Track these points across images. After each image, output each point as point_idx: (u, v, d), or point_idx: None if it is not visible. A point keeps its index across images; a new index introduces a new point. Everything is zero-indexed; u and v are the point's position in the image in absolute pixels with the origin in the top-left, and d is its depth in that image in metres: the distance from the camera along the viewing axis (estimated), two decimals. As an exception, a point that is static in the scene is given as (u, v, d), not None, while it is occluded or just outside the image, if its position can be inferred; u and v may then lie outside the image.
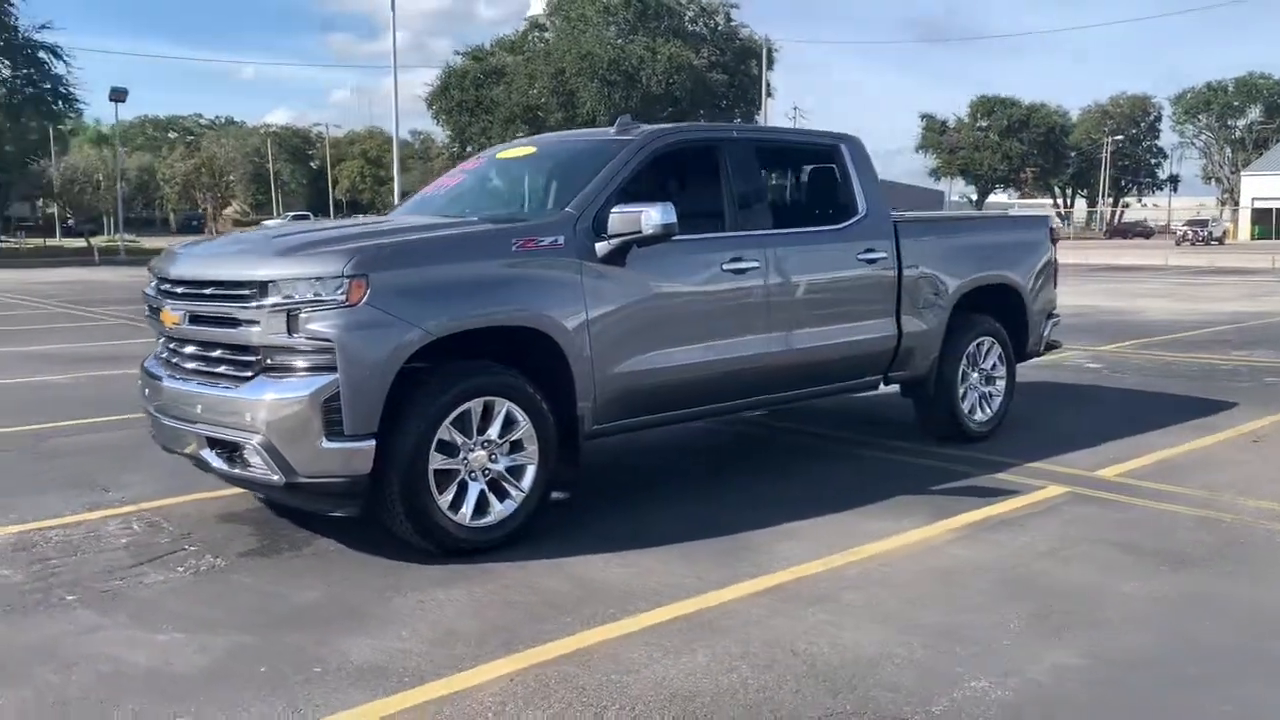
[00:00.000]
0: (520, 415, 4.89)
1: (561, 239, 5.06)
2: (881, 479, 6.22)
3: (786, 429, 7.84)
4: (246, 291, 4.57)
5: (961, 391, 7.09)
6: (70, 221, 66.89)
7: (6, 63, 40.18)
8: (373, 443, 4.46)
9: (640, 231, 5.08)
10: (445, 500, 4.68)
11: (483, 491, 4.82)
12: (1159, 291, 22.83)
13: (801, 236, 6.21)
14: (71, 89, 41.69)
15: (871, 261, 6.43)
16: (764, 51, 49.88)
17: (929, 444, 7.10)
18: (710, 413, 5.98)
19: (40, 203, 69.64)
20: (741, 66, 58.50)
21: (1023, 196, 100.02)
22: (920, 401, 7.17)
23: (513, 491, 4.91)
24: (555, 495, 5.15)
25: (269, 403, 4.47)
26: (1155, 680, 3.59)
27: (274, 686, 3.50)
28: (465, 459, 4.77)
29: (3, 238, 57.67)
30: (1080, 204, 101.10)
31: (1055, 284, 7.94)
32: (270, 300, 4.49)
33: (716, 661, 3.69)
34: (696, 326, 5.58)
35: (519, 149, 6.57)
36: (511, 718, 3.29)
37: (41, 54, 40.34)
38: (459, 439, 4.72)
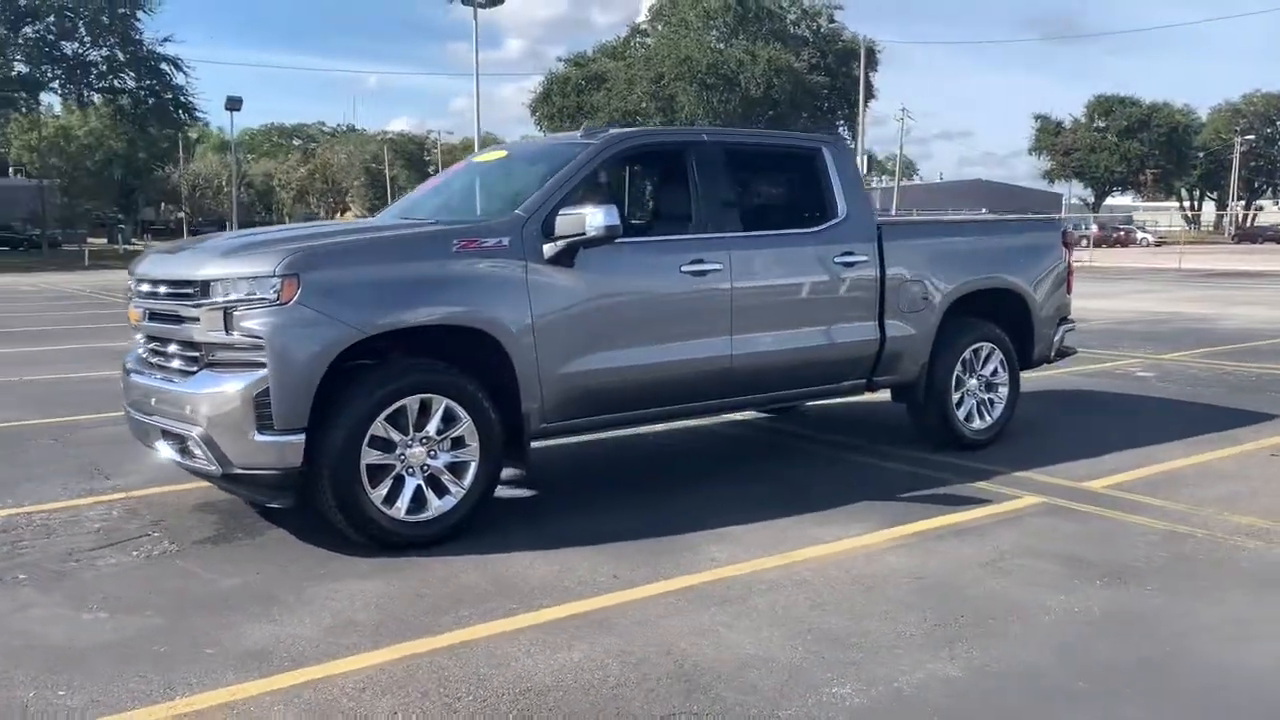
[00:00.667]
0: (461, 412, 5.00)
1: (506, 240, 5.16)
2: (854, 484, 6.15)
3: (785, 432, 7.79)
4: (190, 290, 4.80)
5: (957, 398, 6.95)
6: (200, 224, 70.10)
7: (132, 74, 42.39)
8: (302, 437, 4.62)
9: (584, 233, 5.14)
10: (379, 494, 4.83)
11: (419, 487, 4.95)
12: (1260, 299, 21.73)
13: (772, 239, 6.18)
14: (191, 98, 43.82)
15: (850, 265, 6.35)
16: (863, 52, 49.12)
17: (923, 450, 6.97)
18: (672, 414, 6.01)
19: (166, 207, 73.10)
20: (843, 68, 57.79)
21: (1144, 199, 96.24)
22: (912, 407, 7.05)
23: (452, 488, 5.03)
24: (509, 473, 5.25)
25: (207, 397, 4.68)
26: (1027, 695, 3.50)
27: (161, 665, 3.68)
28: (402, 455, 4.90)
29: (133, 240, 60.80)
30: (1209, 207, 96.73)
31: (1069, 290, 7.70)
32: (210, 299, 4.71)
33: (589, 658, 3.73)
34: (652, 328, 5.61)
35: (493, 153, 6.71)
36: (364, 704, 3.39)
37: (164, 66, 42.46)
38: (395, 435, 4.86)
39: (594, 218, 5.11)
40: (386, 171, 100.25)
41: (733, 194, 6.05)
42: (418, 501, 4.94)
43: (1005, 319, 7.29)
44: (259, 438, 4.60)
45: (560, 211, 5.22)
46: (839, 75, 58.63)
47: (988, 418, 7.14)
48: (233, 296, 4.67)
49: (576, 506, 5.77)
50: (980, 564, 4.79)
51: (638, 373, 5.57)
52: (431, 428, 4.96)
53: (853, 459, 6.89)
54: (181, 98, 43.39)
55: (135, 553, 4.95)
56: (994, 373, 7.16)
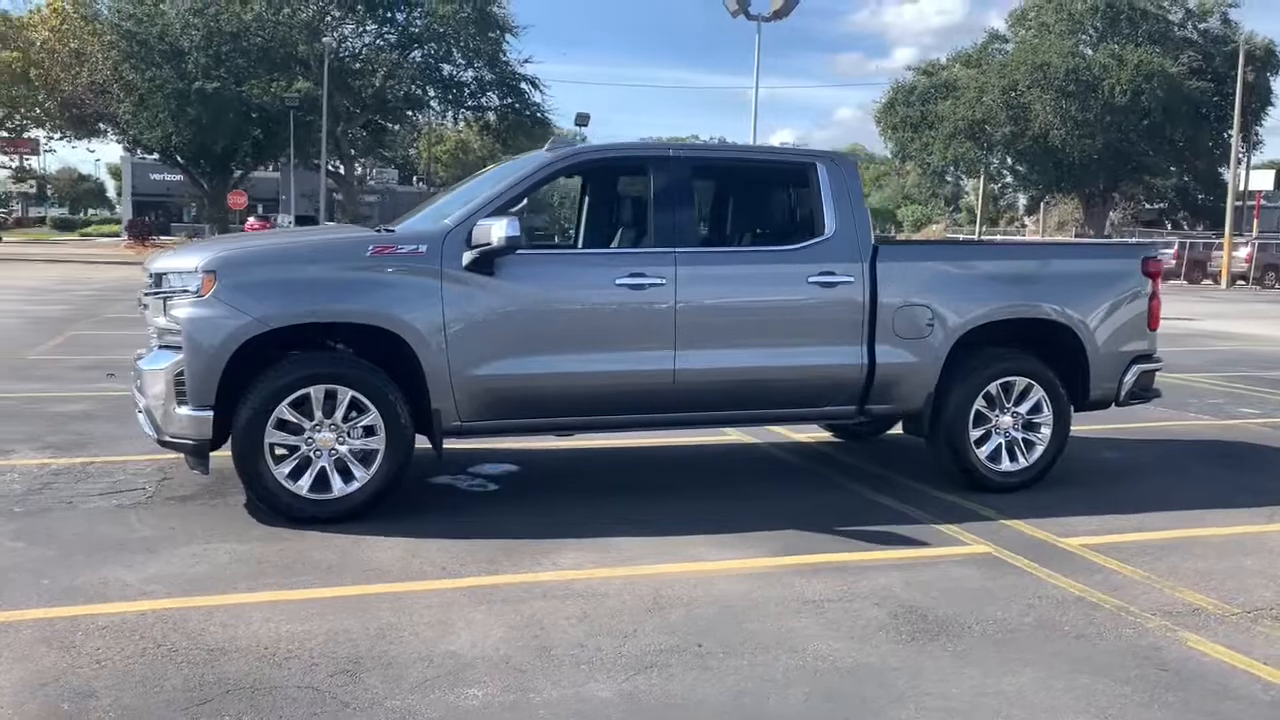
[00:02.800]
0: (368, 404, 5.46)
1: (424, 247, 5.55)
2: (805, 511, 5.91)
3: (809, 454, 7.51)
4: (152, 281, 5.63)
5: (978, 434, 6.41)
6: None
7: (497, 93, 46.83)
8: (210, 413, 5.30)
9: (489, 243, 5.42)
10: (282, 471, 5.40)
11: (324, 469, 5.46)
12: None
13: (730, 255, 6.09)
14: (546, 115, 47.61)
15: (829, 285, 6.09)
16: (1241, 50, 43.59)
17: (938, 488, 6.50)
18: (610, 425, 6.09)
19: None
20: (1232, 73, 51.56)
21: None
22: (930, 442, 6.58)
23: (357, 473, 5.50)
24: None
25: (148, 374, 5.50)
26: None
27: (8, 588, 4.46)
28: (310, 438, 5.44)
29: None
30: None
31: (1153, 324, 6.79)
32: (160, 289, 5.52)
33: (302, 631, 4.06)
34: (579, 338, 5.76)
35: (492, 165, 7.07)
36: (83, 630, 3.96)
37: (523, 85, 46.53)
38: (301, 419, 5.41)
39: (497, 229, 5.38)
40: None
41: (692, 210, 6.04)
42: (322, 482, 5.46)
43: (1053, 353, 6.61)
44: (178, 410, 5.34)
45: (479, 223, 5.53)
46: (1227, 80, 52.43)
47: (1021, 460, 6.50)
48: (172, 288, 5.45)
49: (506, 502, 6.05)
50: (811, 601, 4.55)
51: (563, 381, 5.74)
52: (339, 416, 5.46)
53: (845, 487, 6.57)
54: (538, 114, 47.29)
55: (114, 501, 5.87)
56: (1033, 410, 6.50)
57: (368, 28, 46.68)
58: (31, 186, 71.08)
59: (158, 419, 5.46)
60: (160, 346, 5.59)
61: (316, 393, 5.41)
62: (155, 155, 52.97)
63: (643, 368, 5.84)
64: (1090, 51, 52.27)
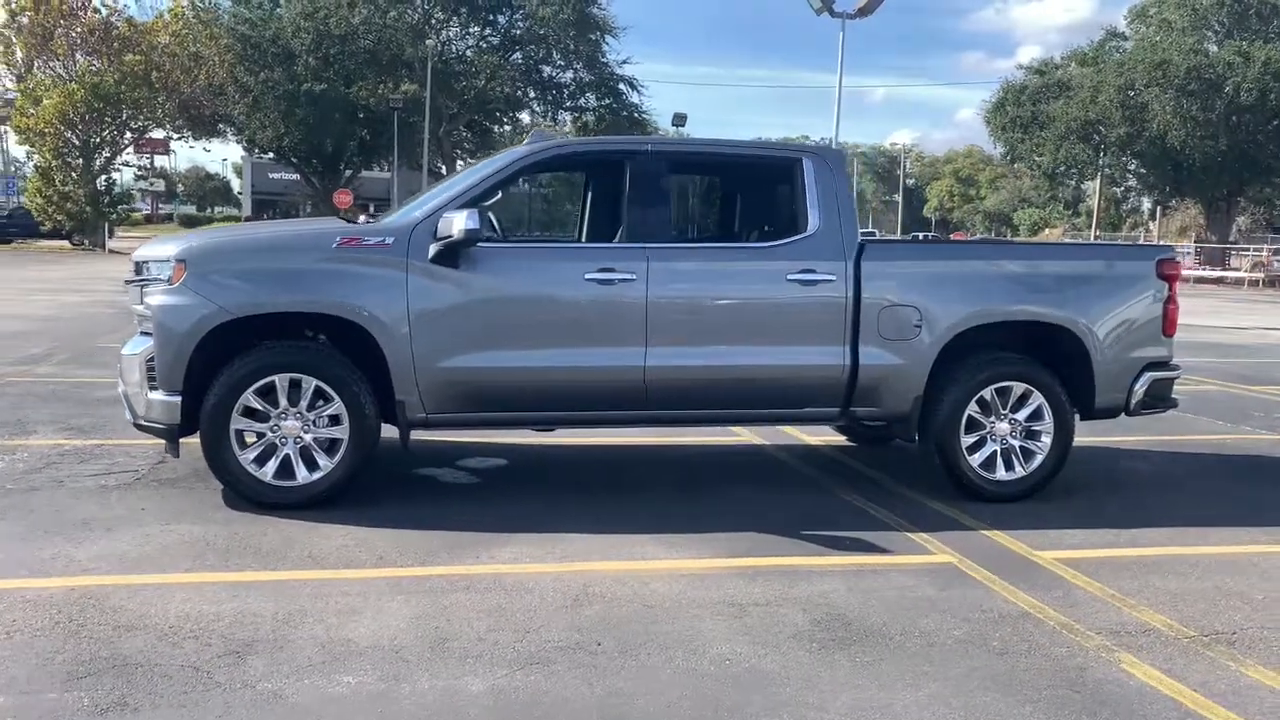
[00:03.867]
0: (332, 393, 5.54)
1: (390, 240, 5.60)
2: (774, 515, 5.77)
3: (807, 455, 7.32)
4: (134, 269, 5.80)
5: (971, 441, 6.16)
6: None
7: (595, 94, 47.18)
8: (179, 398, 5.44)
9: (451, 235, 5.44)
10: (248, 457, 5.51)
11: (289, 456, 5.56)
12: None
13: (705, 252, 5.98)
14: (644, 115, 47.76)
15: (809, 283, 5.93)
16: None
17: (929, 496, 6.28)
18: (578, 420, 6.04)
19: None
20: (1370, 70, 48.57)
21: None
22: (920, 448, 6.35)
23: (320, 461, 5.58)
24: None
25: (124, 358, 5.68)
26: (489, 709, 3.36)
27: (-44, 559, 4.66)
28: (275, 426, 5.54)
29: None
30: None
31: (1169, 330, 6.42)
32: (141, 277, 5.69)
33: (208, 612, 4.13)
34: (545, 332, 5.73)
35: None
36: (8, 602, 4.10)
37: (621, 86, 46.78)
38: (267, 407, 5.51)
39: (458, 221, 5.40)
40: (854, 185, 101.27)
41: (667, 205, 5.94)
42: (286, 469, 5.55)
43: (1057, 358, 6.31)
44: (150, 395, 5.50)
45: (443, 215, 5.55)
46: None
47: (1018, 469, 6.22)
48: (148, 276, 5.62)
49: (478, 496, 6.06)
50: (737, 604, 4.43)
51: (529, 375, 5.72)
52: (304, 405, 5.54)
53: (831, 492, 6.39)
54: (636, 114, 47.47)
55: (103, 481, 6.07)
56: (1033, 417, 6.22)
57: (470, 30, 47.52)
58: (157, 184, 74.43)
59: (133, 403, 5.63)
60: (140, 333, 5.76)
61: (281, 381, 5.50)
62: (270, 155, 54.92)
63: (612, 364, 5.78)
64: (1214, 49, 49.86)
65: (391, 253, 5.58)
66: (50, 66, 42.97)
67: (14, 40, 42.62)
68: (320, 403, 5.56)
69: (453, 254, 5.56)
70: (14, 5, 41.68)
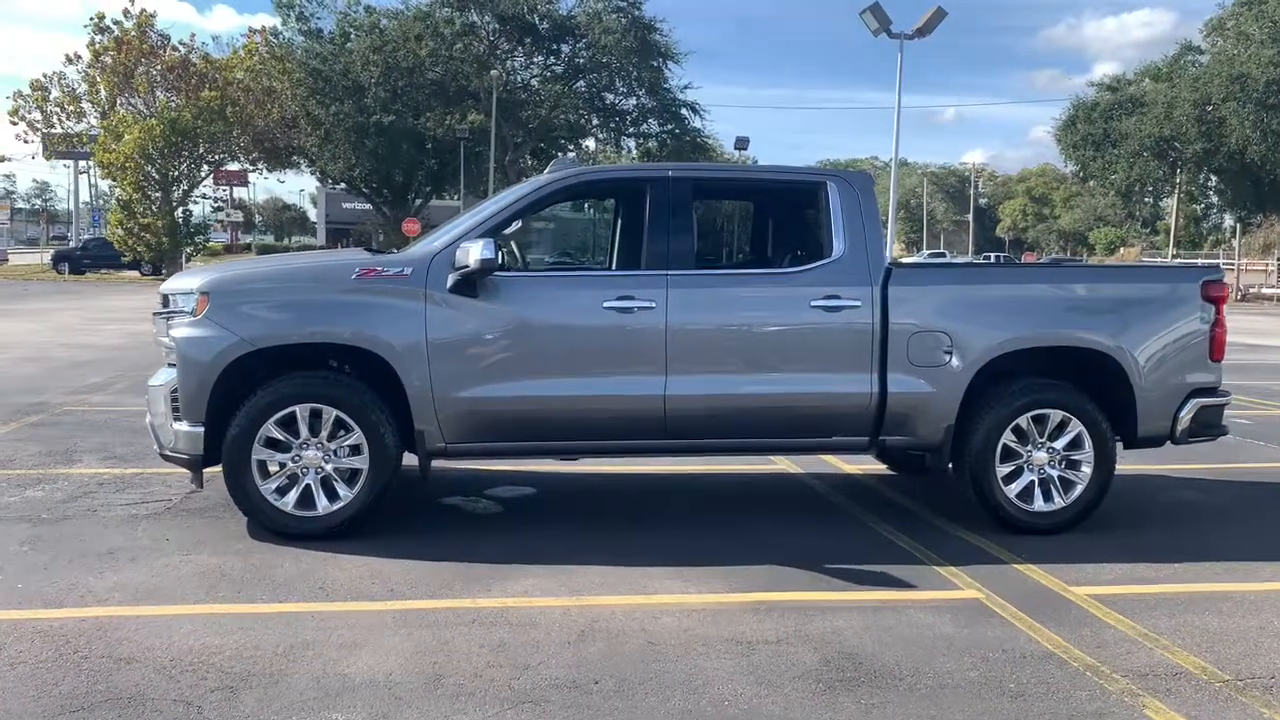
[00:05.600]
0: (352, 424, 5.55)
1: (409, 270, 5.61)
2: (800, 546, 5.63)
3: (838, 485, 7.14)
4: (160, 301, 5.89)
5: (1006, 471, 5.96)
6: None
7: (658, 120, 47.35)
8: (202, 429, 5.50)
9: (468, 265, 5.44)
10: (269, 487, 5.54)
11: (309, 486, 5.58)
12: None
13: (727, 279, 5.90)
14: (706, 139, 47.79)
15: (834, 309, 5.80)
16: None
17: (962, 527, 6.09)
18: (599, 450, 5.96)
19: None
20: None
21: None
22: (954, 478, 6.16)
23: (340, 492, 5.59)
24: None
25: (150, 389, 5.77)
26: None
27: (-22, 589, 4.75)
28: (297, 455, 5.57)
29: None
30: None
31: (1217, 354, 6.15)
32: (168, 309, 5.78)
33: (205, 644, 4.13)
34: (565, 361, 5.68)
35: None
36: (18, 633, 4.15)
37: (683, 111, 46.88)
38: (289, 438, 5.54)
39: (474, 251, 5.39)
40: (924, 205, 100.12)
41: (688, 232, 5.87)
42: (307, 499, 5.57)
43: (1097, 385, 6.09)
44: (174, 426, 5.57)
45: (460, 244, 5.55)
46: None
47: (1057, 499, 6.00)
48: (173, 308, 5.70)
49: (500, 526, 6.02)
50: (746, 642, 4.31)
51: (547, 404, 5.67)
52: (324, 435, 5.57)
53: (860, 523, 6.22)
54: (698, 139, 47.54)
55: (135, 511, 6.16)
56: (1071, 445, 6.00)
57: (535, 60, 48.08)
58: (234, 215, 76.45)
59: (159, 434, 5.71)
60: (168, 365, 5.85)
61: (302, 411, 5.53)
62: (342, 185, 56.09)
63: (631, 393, 5.71)
64: (1292, 60, 48.35)
65: (410, 283, 5.59)
66: (132, 103, 44.51)
67: (98, 79, 44.27)
68: (341, 433, 5.58)
69: (471, 284, 5.55)
70: (97, 45, 43.31)
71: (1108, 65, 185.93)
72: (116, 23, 43.71)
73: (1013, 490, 5.98)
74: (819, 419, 5.90)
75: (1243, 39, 50.10)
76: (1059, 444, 6.00)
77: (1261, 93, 46.42)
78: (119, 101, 44.48)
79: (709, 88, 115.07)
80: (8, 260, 53.20)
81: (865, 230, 5.94)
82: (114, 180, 43.74)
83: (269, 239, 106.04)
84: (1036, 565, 5.42)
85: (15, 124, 45.87)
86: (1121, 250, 77.26)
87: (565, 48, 47.12)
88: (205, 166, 46.72)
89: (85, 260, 49.16)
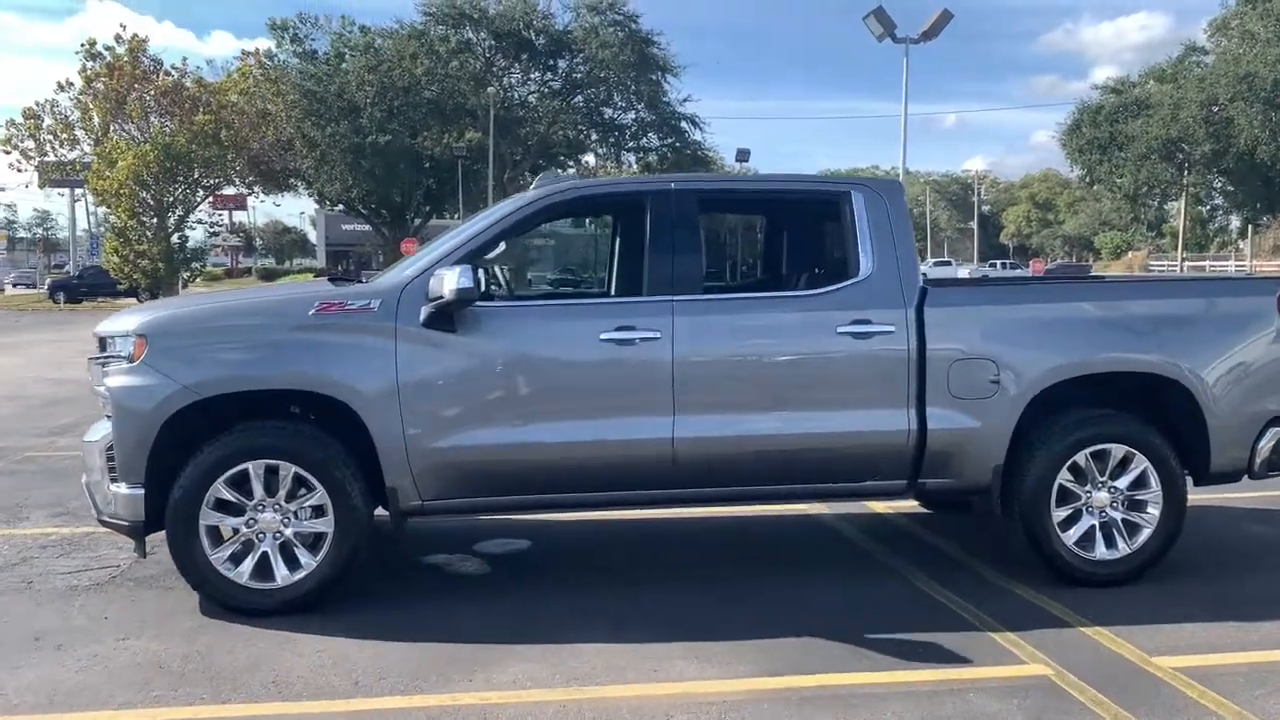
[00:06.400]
0: (314, 481, 4.83)
1: (375, 303, 4.90)
2: (834, 609, 4.90)
3: (868, 527, 6.40)
4: (97, 345, 5.17)
5: (1063, 515, 5.24)
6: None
7: (657, 134, 46.70)
8: (142, 491, 4.77)
9: (442, 296, 4.73)
10: (220, 555, 4.82)
11: (266, 554, 4.85)
12: None
13: (741, 304, 5.18)
14: (707, 153, 47.09)
15: (864, 335, 5.08)
16: None
17: (1015, 578, 5.36)
18: (600, 502, 5.24)
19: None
20: None
21: None
22: (1005, 523, 5.42)
23: (302, 559, 4.87)
24: None
25: (85, 445, 5.05)
26: None
27: None
28: (252, 519, 4.84)
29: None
30: None
31: (1301, 377, 5.41)
32: (105, 354, 5.06)
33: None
34: (556, 403, 4.97)
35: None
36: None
37: (683, 124, 46.23)
38: (241, 499, 4.82)
39: (449, 279, 4.68)
40: (927, 214, 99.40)
41: (696, 251, 5.15)
42: (265, 568, 4.85)
43: (1163, 414, 5.36)
44: (111, 488, 4.85)
45: (435, 272, 4.84)
46: None
47: (1120, 546, 5.26)
48: (109, 353, 4.99)
49: (486, 592, 5.28)
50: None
51: (539, 453, 4.95)
52: (282, 495, 4.85)
53: (900, 575, 5.48)
54: (698, 153, 46.86)
55: (76, 581, 5.43)
56: (1135, 485, 5.26)
57: (531, 76, 47.50)
58: (230, 239, 75.97)
59: (95, 496, 4.99)
60: (106, 417, 5.13)
61: (256, 468, 4.81)
62: (340, 207, 55.53)
63: (634, 437, 4.99)
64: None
65: (377, 317, 4.88)
66: (125, 129, 43.95)
67: (91, 106, 43.73)
68: (302, 492, 4.86)
69: (447, 317, 4.84)
70: (89, 72, 42.80)
71: (1107, 69, 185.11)
72: (108, 48, 43.23)
73: (1071, 536, 5.24)
74: (849, 461, 5.17)
75: (1248, 38, 49.48)
76: (1122, 483, 5.27)
77: (1270, 91, 45.78)
78: (112, 128, 43.91)
79: (706, 100, 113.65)
80: (4, 290, 52.57)
81: (896, 245, 5.22)
82: (108, 207, 43.16)
83: (270, 262, 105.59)
84: (1106, 628, 4.68)
85: (8, 153, 45.34)
86: (1130, 254, 76.52)
87: (562, 63, 46.52)
88: (201, 191, 46.12)
89: (82, 289, 48.59)
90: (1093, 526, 5.26)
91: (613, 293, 6.06)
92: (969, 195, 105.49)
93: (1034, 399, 5.17)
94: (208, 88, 44.19)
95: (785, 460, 5.12)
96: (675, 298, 5.04)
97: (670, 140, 46.53)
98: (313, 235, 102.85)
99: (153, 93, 43.60)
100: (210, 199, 51.25)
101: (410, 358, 4.85)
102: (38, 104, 45.08)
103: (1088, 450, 5.22)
